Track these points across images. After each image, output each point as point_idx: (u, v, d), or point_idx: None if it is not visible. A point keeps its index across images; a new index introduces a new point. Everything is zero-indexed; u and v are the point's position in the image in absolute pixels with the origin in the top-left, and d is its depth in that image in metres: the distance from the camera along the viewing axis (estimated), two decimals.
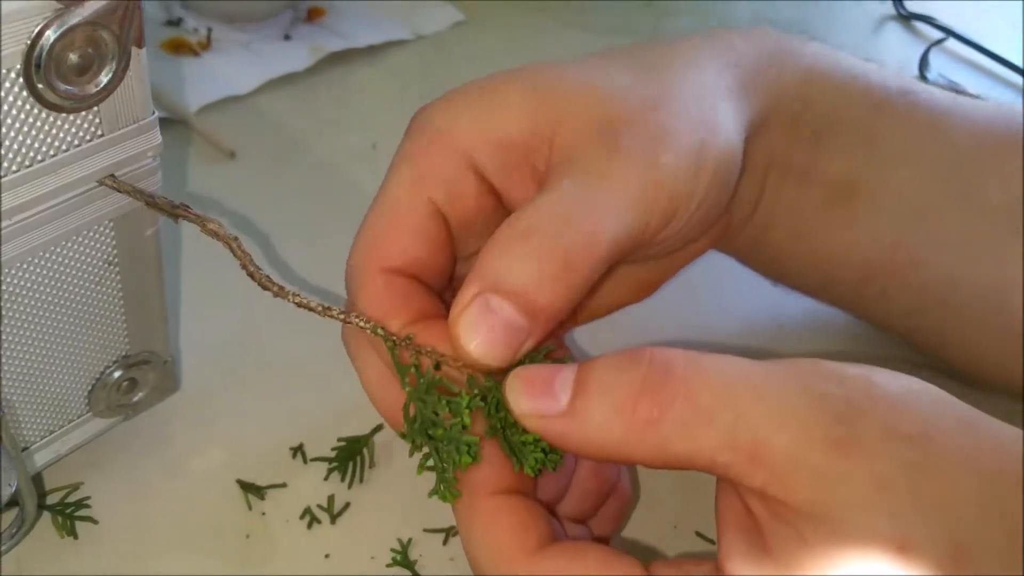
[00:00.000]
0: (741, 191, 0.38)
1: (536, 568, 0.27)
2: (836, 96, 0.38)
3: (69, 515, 0.37)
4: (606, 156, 0.30)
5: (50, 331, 0.33)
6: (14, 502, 0.35)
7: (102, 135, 0.30)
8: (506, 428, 0.29)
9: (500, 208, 0.33)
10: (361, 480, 0.40)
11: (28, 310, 0.32)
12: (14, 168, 0.29)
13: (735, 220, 0.39)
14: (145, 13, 0.59)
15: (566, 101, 0.32)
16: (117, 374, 0.37)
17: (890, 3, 0.72)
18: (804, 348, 0.47)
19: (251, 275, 0.29)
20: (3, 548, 0.35)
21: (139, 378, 0.38)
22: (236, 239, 0.30)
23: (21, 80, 0.27)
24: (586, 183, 0.30)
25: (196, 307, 0.45)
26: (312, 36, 0.61)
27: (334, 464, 0.40)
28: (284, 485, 0.39)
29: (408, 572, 0.37)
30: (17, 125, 0.28)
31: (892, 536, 0.24)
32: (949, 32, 0.69)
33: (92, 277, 0.33)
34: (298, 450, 0.40)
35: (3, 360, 0.32)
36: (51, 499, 0.37)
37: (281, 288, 0.29)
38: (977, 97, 0.54)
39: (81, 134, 0.30)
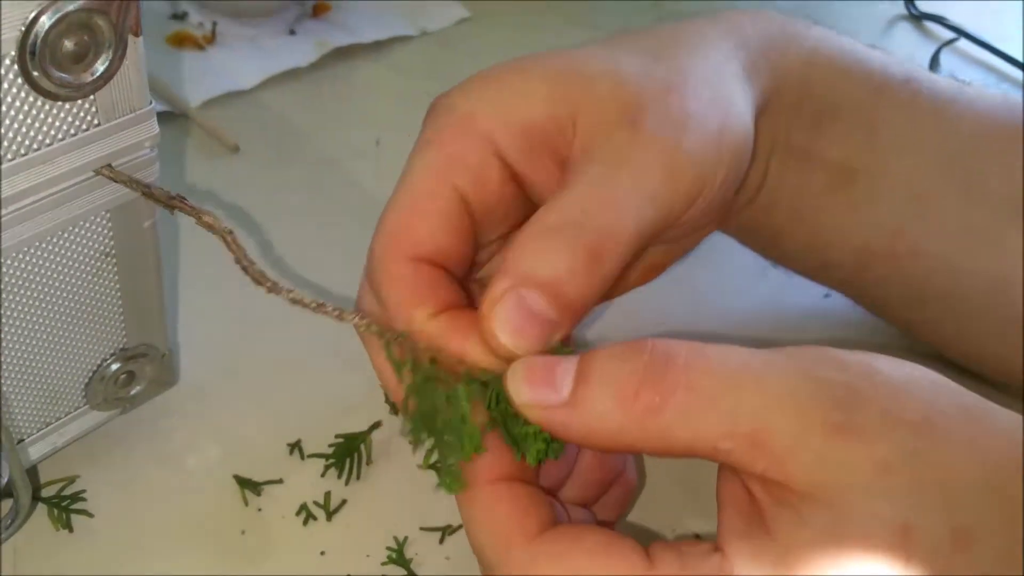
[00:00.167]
0: (747, 174, 0.37)
1: (535, 551, 0.27)
2: (838, 79, 0.38)
3: (65, 508, 0.36)
4: (629, 142, 0.30)
5: (46, 322, 0.33)
6: (8, 493, 0.34)
7: (99, 124, 0.30)
8: (507, 419, 0.29)
9: (521, 195, 0.33)
10: (358, 477, 0.39)
11: (24, 300, 0.32)
12: (9, 156, 0.28)
13: (739, 201, 0.39)
14: (151, 7, 0.60)
15: (586, 86, 0.32)
16: (114, 367, 0.36)
17: (901, 3, 0.72)
18: (807, 337, 0.46)
19: (245, 269, 0.29)
20: None
21: (137, 371, 0.38)
22: (231, 232, 0.29)
23: (16, 67, 0.27)
24: (612, 172, 0.30)
25: (195, 301, 0.45)
26: (317, 31, 0.61)
27: (331, 461, 0.39)
28: (281, 481, 0.39)
29: (403, 570, 0.37)
30: (12, 113, 0.28)
31: (892, 520, 0.24)
32: (960, 32, 0.69)
33: (89, 268, 0.33)
34: (296, 446, 0.40)
35: None
36: (47, 492, 0.37)
37: (275, 284, 0.29)
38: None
39: (77, 123, 0.30)
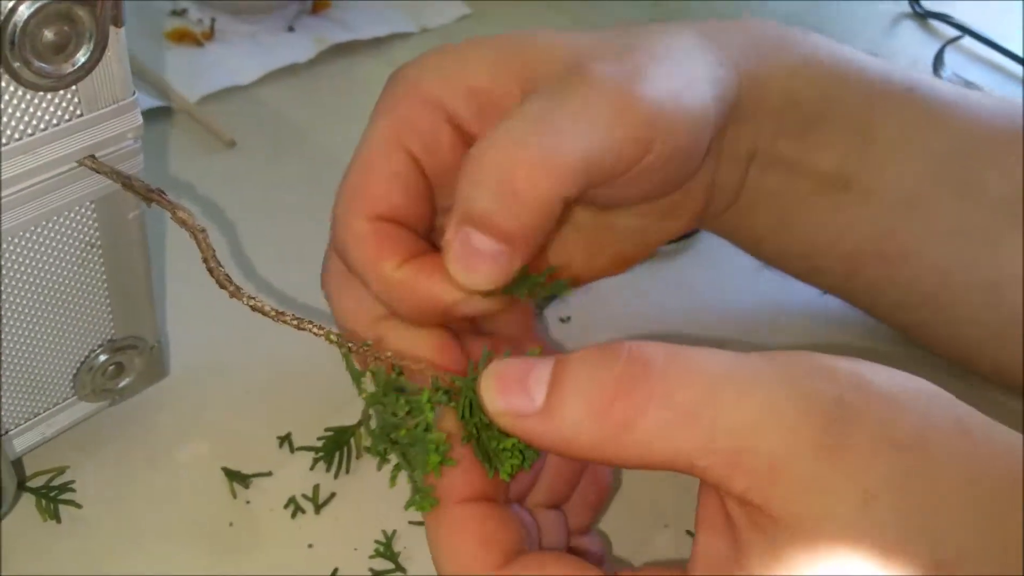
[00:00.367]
0: (721, 178, 0.37)
1: None
2: (832, 85, 0.37)
3: (52, 498, 0.37)
4: (577, 82, 0.30)
5: (32, 312, 0.33)
6: None
7: (81, 115, 0.30)
8: (481, 432, 0.28)
9: None
10: (347, 471, 0.39)
11: (8, 290, 0.32)
12: None
13: (717, 205, 0.38)
14: (150, 3, 0.60)
15: (535, 50, 0.33)
16: (102, 358, 0.37)
17: (905, 1, 0.71)
18: (799, 339, 0.46)
19: (211, 271, 0.29)
20: None
21: (125, 363, 0.38)
22: (203, 231, 0.29)
23: None
24: (554, 104, 0.30)
25: (185, 295, 0.45)
26: (317, 28, 0.61)
27: (320, 454, 0.39)
28: (269, 474, 0.39)
29: (391, 564, 0.36)
30: None
31: (872, 556, 0.23)
32: (965, 30, 0.68)
33: (74, 259, 0.33)
34: (285, 439, 0.40)
35: None
36: (35, 482, 0.37)
37: (237, 289, 0.29)
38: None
39: (60, 113, 0.30)
